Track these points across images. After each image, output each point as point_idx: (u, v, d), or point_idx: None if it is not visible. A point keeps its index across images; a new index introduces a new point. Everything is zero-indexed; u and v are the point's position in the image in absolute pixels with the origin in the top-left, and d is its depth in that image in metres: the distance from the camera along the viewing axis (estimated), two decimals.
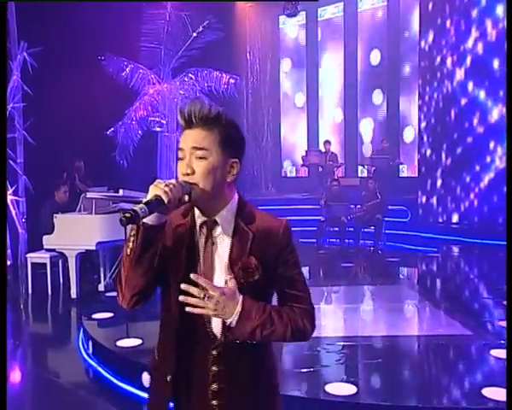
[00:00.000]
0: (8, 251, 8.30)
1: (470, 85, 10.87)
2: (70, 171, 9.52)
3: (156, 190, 1.67)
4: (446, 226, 11.15)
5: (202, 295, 1.68)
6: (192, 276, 1.68)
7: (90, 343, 5.50)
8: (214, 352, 1.83)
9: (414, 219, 11.60)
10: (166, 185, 1.68)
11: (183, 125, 1.80)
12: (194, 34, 9.30)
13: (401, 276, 9.11)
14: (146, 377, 4.45)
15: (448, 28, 11.18)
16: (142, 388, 4.55)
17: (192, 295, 1.68)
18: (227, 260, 1.82)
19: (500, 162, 10.45)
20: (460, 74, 11.01)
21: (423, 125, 11.79)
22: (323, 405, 4.12)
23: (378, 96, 13.91)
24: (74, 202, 8.05)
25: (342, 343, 5.31)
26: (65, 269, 7.77)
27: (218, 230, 1.85)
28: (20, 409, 4.97)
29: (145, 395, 4.37)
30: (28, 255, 7.79)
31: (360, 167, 13.84)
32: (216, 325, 1.82)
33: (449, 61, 11.17)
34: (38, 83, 8.17)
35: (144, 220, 1.63)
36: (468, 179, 10.98)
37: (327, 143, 13.44)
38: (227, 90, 9.66)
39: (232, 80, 9.70)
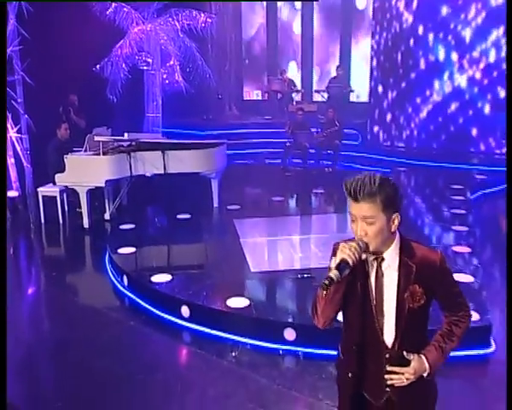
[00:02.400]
0: (17, 183, 8.19)
1: (416, 27, 11.03)
2: (65, 105, 9.41)
3: (342, 254, 1.95)
4: (391, 149, 11.56)
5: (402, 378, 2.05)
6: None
7: (125, 278, 5.55)
8: (387, 355, 2.11)
9: (363, 142, 11.90)
10: (349, 249, 1.95)
11: (348, 197, 2.00)
12: None
13: None
14: (185, 310, 4.81)
15: None
16: (181, 317, 4.83)
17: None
18: (395, 288, 2.08)
19: (437, 96, 11.07)
20: (407, 16, 11.13)
21: (374, 61, 11.85)
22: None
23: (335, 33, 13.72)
24: (73, 137, 8.03)
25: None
26: (69, 202, 7.84)
27: (386, 264, 2.08)
28: (60, 328, 5.07)
29: (184, 323, 4.83)
30: (39, 189, 7.69)
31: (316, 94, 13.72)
32: (387, 337, 2.11)
33: (399, 4, 11.20)
34: (34, 26, 7.80)
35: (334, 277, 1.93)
36: (410, 110, 11.44)
37: (284, 71, 13.50)
38: (204, 29, 9.53)
39: (209, 19, 9.54)
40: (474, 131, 10.80)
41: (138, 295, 5.30)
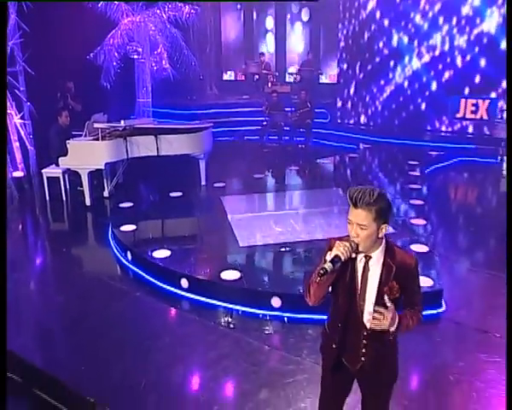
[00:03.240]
0: (22, 165, 8.19)
1: (378, 15, 11.06)
2: (63, 91, 9.23)
3: (337, 251, 2.20)
4: (356, 127, 11.69)
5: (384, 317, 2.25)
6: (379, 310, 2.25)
7: (129, 253, 5.59)
8: (364, 333, 2.37)
9: (332, 121, 11.97)
10: (343, 247, 2.20)
11: (350, 202, 2.24)
12: None
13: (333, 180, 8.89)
14: (184, 282, 4.94)
15: None
16: (181, 288, 4.96)
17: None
18: (377, 282, 2.32)
19: (399, 78, 11.14)
20: (371, 5, 11.13)
21: (342, 44, 11.83)
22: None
23: (306, 16, 13.68)
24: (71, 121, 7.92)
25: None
26: (71, 181, 7.77)
27: (372, 262, 2.32)
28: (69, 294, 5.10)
29: (184, 293, 4.93)
30: (44, 171, 7.62)
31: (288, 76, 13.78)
32: (366, 318, 2.36)
33: None
34: (33, 20, 7.72)
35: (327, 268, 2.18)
36: (375, 90, 11.50)
37: (261, 55, 13.41)
38: (188, 19, 9.43)
39: (193, 11, 9.43)
40: (427, 112, 10.91)
41: (142, 269, 5.36)
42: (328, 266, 2.16)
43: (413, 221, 6.36)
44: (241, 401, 3.51)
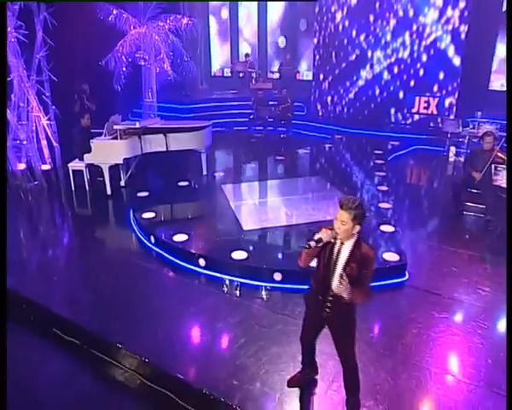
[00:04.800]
0: (49, 159, 8.25)
1: (346, 28, 11.13)
2: (79, 93, 9.19)
3: (322, 234, 2.83)
4: (328, 118, 11.79)
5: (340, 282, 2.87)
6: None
7: (152, 237, 5.70)
8: (331, 293, 2.98)
9: (308, 113, 12.04)
10: (326, 233, 2.83)
11: (338, 205, 2.80)
12: None
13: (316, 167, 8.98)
14: (202, 261, 5.18)
15: None
16: (198, 266, 5.20)
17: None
18: (344, 262, 2.89)
19: (361, 81, 11.25)
20: (339, 20, 11.19)
21: (316, 48, 11.86)
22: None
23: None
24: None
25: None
26: (91, 173, 7.76)
27: (344, 248, 2.89)
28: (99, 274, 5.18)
29: (201, 270, 5.15)
30: (69, 165, 7.67)
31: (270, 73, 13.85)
32: (333, 284, 2.94)
33: (332, 9, 11.24)
34: (56, 35, 7.65)
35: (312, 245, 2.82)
36: (347, 84, 11.53)
37: (247, 55, 13.41)
38: (186, 29, 9.47)
39: (190, 22, 9.46)
40: (388, 108, 11.07)
41: (164, 250, 5.53)
42: (312, 243, 2.82)
43: (381, 205, 6.56)
44: (259, 355, 3.86)
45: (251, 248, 5.36)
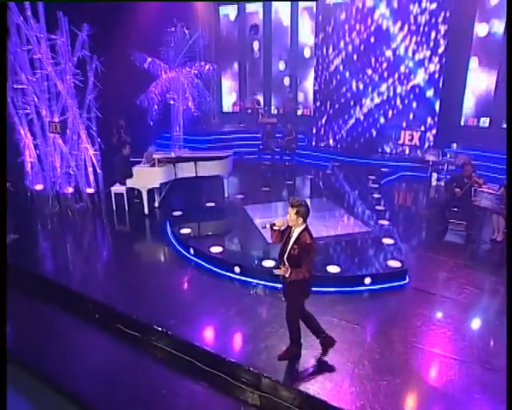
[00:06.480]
0: (94, 184, 8.54)
1: (343, 70, 11.70)
2: (117, 127, 9.68)
3: (275, 221, 3.72)
4: (327, 149, 12.24)
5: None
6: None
7: (191, 249, 5.99)
8: (286, 265, 3.65)
9: (309, 144, 12.49)
10: (280, 222, 3.70)
11: (288, 203, 3.62)
12: (190, 42, 9.39)
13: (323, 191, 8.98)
14: (237, 268, 5.48)
15: (331, 34, 11.66)
16: (234, 273, 5.52)
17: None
18: (292, 243, 3.62)
19: (358, 114, 11.78)
20: (336, 62, 11.77)
21: (316, 87, 12.34)
22: None
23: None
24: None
25: None
26: (130, 198, 8.06)
27: (294, 233, 3.65)
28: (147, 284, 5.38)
29: (236, 276, 5.46)
30: (112, 188, 8.01)
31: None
32: (285, 259, 3.67)
33: (330, 53, 11.81)
34: (103, 79, 8.09)
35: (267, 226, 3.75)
36: (340, 122, 12.10)
37: (254, 95, 14.04)
38: (208, 74, 9.94)
39: (211, 67, 9.92)
40: (378, 140, 11.51)
41: (203, 260, 5.85)
42: (267, 226, 3.77)
43: (380, 222, 6.97)
44: (284, 335, 4.17)
45: (274, 257, 5.57)
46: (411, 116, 11.16)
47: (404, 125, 11.17)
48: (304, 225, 3.60)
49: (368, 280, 5.25)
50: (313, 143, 12.53)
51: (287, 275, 3.58)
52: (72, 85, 7.68)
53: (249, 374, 4.01)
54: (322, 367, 3.99)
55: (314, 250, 3.58)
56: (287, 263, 3.62)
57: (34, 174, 8.39)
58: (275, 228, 3.73)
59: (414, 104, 11.09)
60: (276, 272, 3.65)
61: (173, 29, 9.08)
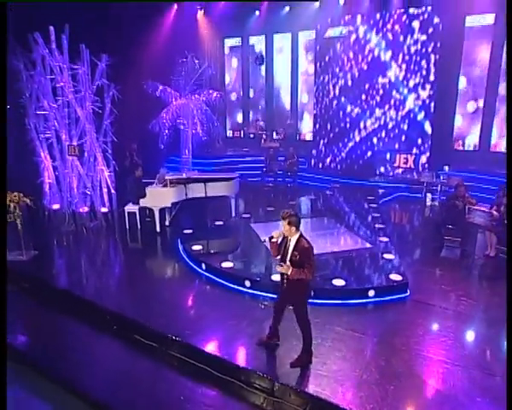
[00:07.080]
0: (108, 203, 8.67)
1: (339, 97, 12.09)
2: (130, 150, 9.91)
3: (274, 234, 3.94)
4: (327, 171, 12.42)
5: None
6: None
7: (203, 265, 6.06)
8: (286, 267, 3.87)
9: (309, 166, 12.71)
10: (277, 233, 3.92)
11: (280, 217, 3.86)
12: (200, 71, 9.76)
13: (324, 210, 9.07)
14: (247, 282, 5.58)
15: (331, 64, 12.07)
16: (244, 286, 5.61)
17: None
18: (292, 250, 3.86)
19: (358, 137, 12.04)
20: (335, 91, 12.19)
21: (316, 112, 12.66)
22: None
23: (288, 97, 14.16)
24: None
25: None
26: (142, 216, 8.17)
27: (291, 241, 3.89)
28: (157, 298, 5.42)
29: (248, 290, 5.52)
30: (125, 207, 8.12)
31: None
32: (286, 263, 3.89)
33: (328, 81, 12.22)
34: (118, 105, 8.36)
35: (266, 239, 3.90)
36: (340, 145, 12.34)
37: (257, 120, 14.39)
38: (215, 101, 10.30)
39: (218, 95, 10.30)
40: (375, 162, 11.73)
41: (214, 275, 5.93)
42: (267, 239, 4.00)
43: (381, 239, 7.10)
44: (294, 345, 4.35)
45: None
46: (405, 139, 11.45)
47: (396, 146, 11.45)
48: (298, 233, 3.85)
49: (371, 292, 5.37)
50: (312, 164, 12.73)
51: (289, 272, 3.79)
52: (90, 111, 7.96)
53: (262, 380, 4.10)
54: (332, 374, 4.09)
55: (312, 253, 3.81)
56: (288, 263, 3.85)
57: (52, 194, 8.59)
58: (273, 240, 3.95)
59: (407, 128, 11.40)
60: (279, 269, 3.89)
61: (185, 59, 9.42)
